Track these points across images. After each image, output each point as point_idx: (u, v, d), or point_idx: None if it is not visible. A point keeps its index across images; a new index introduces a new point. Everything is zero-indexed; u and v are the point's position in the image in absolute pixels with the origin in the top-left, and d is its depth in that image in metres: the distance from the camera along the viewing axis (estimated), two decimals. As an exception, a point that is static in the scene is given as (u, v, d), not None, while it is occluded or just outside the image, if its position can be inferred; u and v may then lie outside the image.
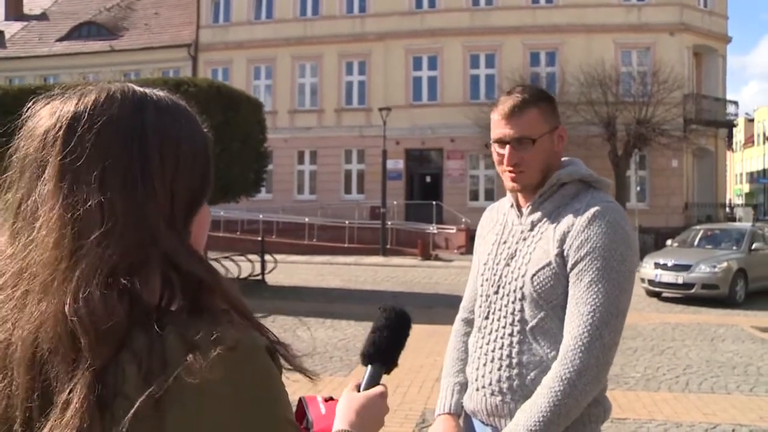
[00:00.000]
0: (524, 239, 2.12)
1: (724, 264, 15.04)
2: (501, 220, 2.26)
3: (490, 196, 29.04)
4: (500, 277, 2.13)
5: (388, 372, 1.34)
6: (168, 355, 0.82)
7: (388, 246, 27.25)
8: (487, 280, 2.18)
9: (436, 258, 25.81)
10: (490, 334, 2.13)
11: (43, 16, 41.39)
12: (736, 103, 33.29)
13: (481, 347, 2.15)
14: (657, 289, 15.54)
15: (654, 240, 25.46)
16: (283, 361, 0.94)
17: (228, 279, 0.94)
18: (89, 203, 0.86)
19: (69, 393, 0.81)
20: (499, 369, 2.07)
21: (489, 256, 2.21)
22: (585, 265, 1.96)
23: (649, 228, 26.25)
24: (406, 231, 28.60)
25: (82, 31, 38.16)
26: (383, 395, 1.26)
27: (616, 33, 30.20)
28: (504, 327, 2.09)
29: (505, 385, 2.05)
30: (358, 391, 1.27)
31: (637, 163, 26.18)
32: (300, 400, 1.23)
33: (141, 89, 0.97)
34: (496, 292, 2.13)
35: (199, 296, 0.89)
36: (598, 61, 27.77)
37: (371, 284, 18.31)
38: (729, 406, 7.05)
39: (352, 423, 1.18)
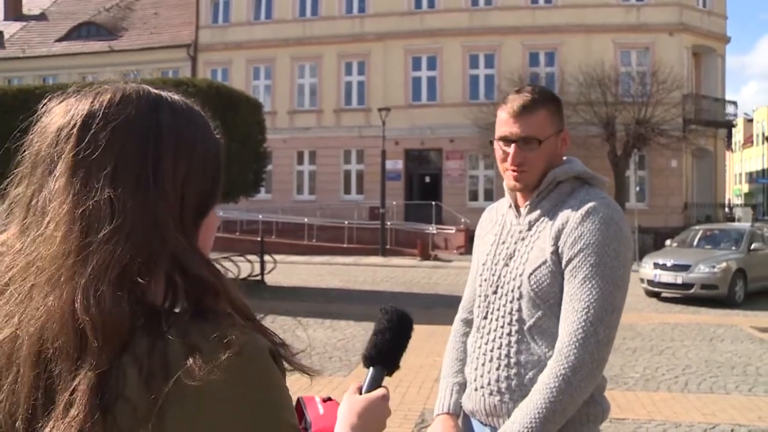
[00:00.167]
0: (522, 239, 2.12)
1: (723, 264, 15.04)
2: (499, 221, 2.26)
3: (490, 197, 29.03)
4: (499, 278, 2.13)
5: (390, 374, 1.33)
6: (170, 359, 0.82)
7: (388, 246, 27.25)
8: (485, 280, 2.18)
9: (436, 258, 25.81)
10: (488, 334, 2.13)
11: (42, 17, 41.38)
12: (735, 103, 33.33)
13: (479, 347, 2.15)
14: (656, 289, 15.54)
15: (653, 240, 25.47)
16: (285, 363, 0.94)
17: (232, 282, 0.94)
18: (99, 200, 0.86)
19: (72, 393, 0.81)
20: (497, 369, 2.07)
21: (488, 256, 2.21)
22: (579, 261, 1.96)
23: (649, 228, 26.24)
24: (406, 231, 28.59)
25: (82, 31, 38.15)
26: (385, 398, 1.26)
27: (615, 33, 30.19)
28: (502, 327, 2.09)
29: (503, 385, 2.05)
30: (360, 393, 1.27)
31: (636, 163, 26.18)
32: (298, 401, 1.23)
33: (156, 91, 0.97)
34: (495, 292, 2.13)
35: (204, 299, 0.89)
36: (597, 62, 27.77)
37: (370, 284, 18.31)
38: (728, 406, 7.05)
39: (354, 426, 1.18)
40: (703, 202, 31.14)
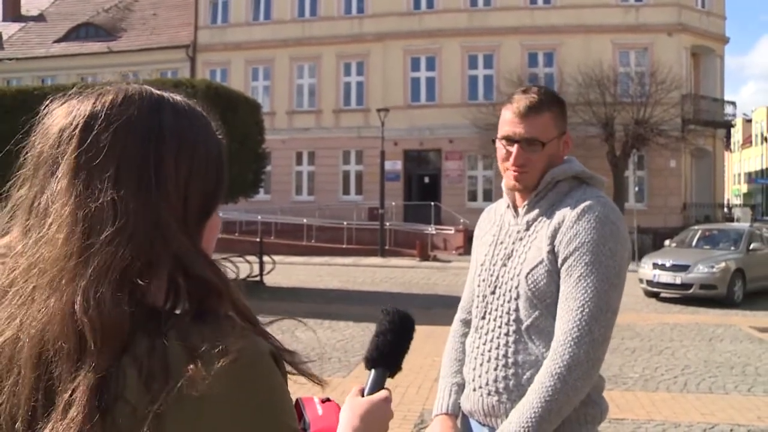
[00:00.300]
0: (520, 239, 2.12)
1: (722, 264, 15.05)
2: (498, 221, 2.26)
3: (489, 197, 29.01)
4: (497, 278, 2.13)
5: (392, 376, 1.33)
6: (169, 361, 0.81)
7: (387, 247, 27.24)
8: (484, 280, 2.18)
9: (435, 259, 25.80)
10: (486, 334, 2.13)
11: (40, 18, 41.34)
12: (733, 103, 33.36)
13: (477, 347, 2.15)
14: (655, 290, 15.54)
15: (652, 240, 25.47)
16: (288, 367, 0.93)
17: (235, 284, 0.93)
18: (101, 201, 0.86)
19: (71, 394, 0.80)
20: (495, 369, 2.07)
21: (486, 256, 2.21)
22: (574, 260, 1.95)
23: (648, 228, 26.25)
24: (405, 232, 28.57)
25: (80, 32, 38.11)
26: (387, 400, 1.25)
27: (614, 33, 30.20)
28: (500, 327, 2.09)
29: (501, 385, 2.05)
30: (362, 395, 1.26)
31: (635, 164, 26.18)
32: (297, 401, 1.22)
33: (158, 92, 0.97)
34: (493, 293, 2.13)
35: (207, 301, 0.88)
36: (596, 62, 27.79)
37: (370, 285, 18.31)
38: (727, 406, 7.05)
39: (357, 429, 1.18)
40: (701, 203, 31.15)
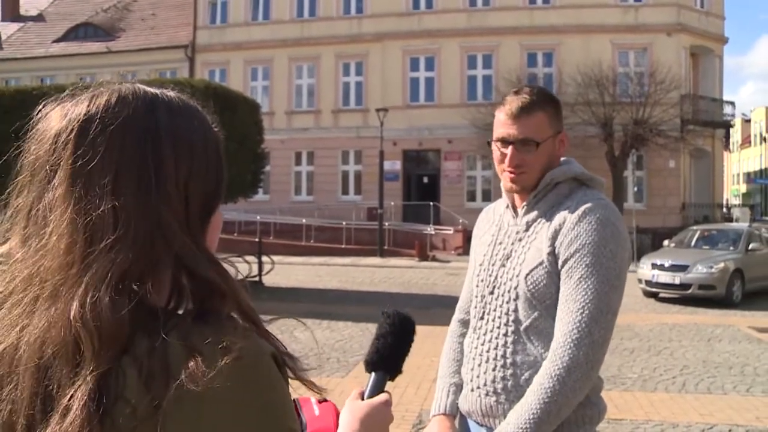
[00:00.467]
0: (519, 240, 2.12)
1: (721, 264, 15.05)
2: (497, 221, 2.26)
3: (488, 197, 29.01)
4: (495, 278, 2.13)
5: (392, 379, 1.32)
6: (170, 360, 0.81)
7: (386, 247, 27.25)
8: (482, 280, 2.18)
9: (434, 259, 25.80)
10: (485, 334, 2.13)
11: (39, 17, 41.32)
12: (732, 103, 33.34)
13: (476, 348, 2.15)
14: (654, 290, 15.54)
15: (651, 240, 25.49)
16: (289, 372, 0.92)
17: (240, 284, 0.93)
18: (102, 208, 0.85)
19: (69, 399, 0.80)
20: (493, 369, 2.07)
21: (484, 257, 2.20)
22: (575, 261, 1.95)
23: (646, 228, 26.27)
24: (404, 232, 28.58)
25: (79, 32, 38.08)
26: (387, 403, 1.25)
27: (613, 33, 30.20)
28: (499, 327, 2.09)
29: (499, 386, 2.05)
30: (362, 399, 1.26)
31: (634, 164, 26.17)
32: (294, 401, 1.22)
33: (152, 90, 0.96)
34: (491, 293, 2.13)
35: (209, 301, 0.88)
36: (595, 62, 27.78)
37: (368, 285, 18.31)
38: (726, 406, 7.05)
39: None
40: (700, 203, 31.16)
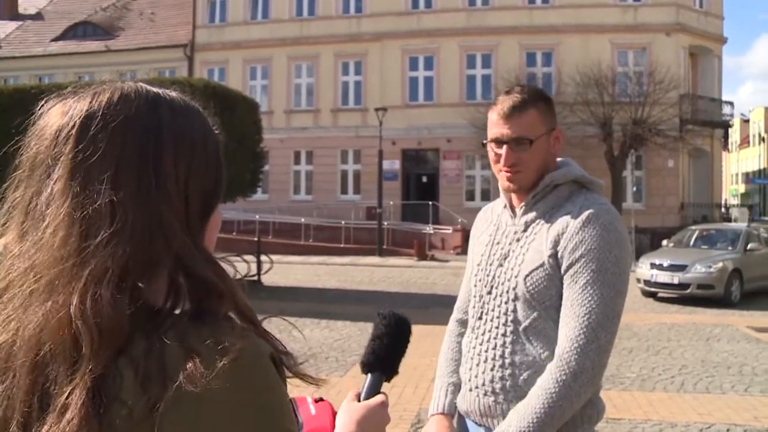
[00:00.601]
0: (517, 240, 2.11)
1: (720, 264, 15.07)
2: (494, 221, 2.25)
3: (487, 197, 29.01)
4: (493, 278, 2.12)
5: (388, 380, 1.31)
6: (167, 361, 0.80)
7: (385, 246, 27.25)
8: (480, 280, 2.17)
9: (433, 258, 25.81)
10: (483, 334, 2.12)
11: (38, 16, 41.28)
12: (731, 103, 33.36)
13: (474, 347, 2.15)
14: (653, 290, 15.56)
15: (650, 240, 25.50)
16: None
17: (238, 284, 0.92)
18: (99, 203, 0.85)
19: (67, 397, 0.79)
20: (492, 369, 2.07)
21: (482, 256, 2.20)
22: (580, 267, 1.95)
23: (645, 228, 26.28)
24: (403, 231, 28.59)
25: (78, 30, 38.06)
26: (384, 405, 1.24)
27: (612, 33, 30.22)
28: (497, 327, 2.09)
29: (498, 386, 2.05)
30: (358, 400, 1.25)
31: (633, 164, 26.18)
32: (290, 401, 1.22)
33: (154, 89, 0.96)
34: (489, 293, 2.12)
35: (207, 301, 0.88)
36: (594, 62, 27.79)
37: (367, 285, 18.31)
38: (724, 406, 7.06)
39: None
40: (699, 203, 31.18)
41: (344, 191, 33.19)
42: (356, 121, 32.55)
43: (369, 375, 1.30)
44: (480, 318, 2.15)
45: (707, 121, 30.75)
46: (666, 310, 14.12)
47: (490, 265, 2.15)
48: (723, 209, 37.10)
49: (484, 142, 2.18)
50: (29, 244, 0.87)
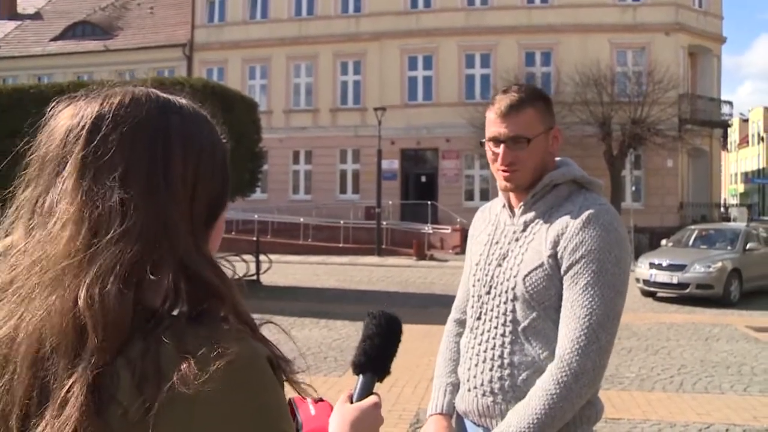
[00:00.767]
0: (516, 240, 2.11)
1: (719, 264, 15.07)
2: (493, 221, 2.25)
3: (486, 196, 29.01)
4: (492, 278, 2.12)
5: (380, 380, 1.31)
6: (162, 363, 0.80)
7: (384, 246, 27.26)
8: (479, 280, 2.17)
9: (432, 258, 25.81)
10: (482, 334, 2.12)
11: (37, 16, 41.27)
12: (730, 103, 33.37)
13: (473, 347, 2.14)
14: (652, 289, 15.56)
15: (649, 240, 25.51)
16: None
17: (237, 287, 0.93)
18: (109, 201, 0.86)
19: (67, 391, 0.80)
20: (491, 369, 2.06)
21: (481, 256, 2.20)
22: (580, 267, 1.95)
23: (644, 228, 26.29)
24: (402, 231, 28.59)
25: (77, 30, 38.05)
26: (377, 405, 1.24)
27: (611, 33, 30.23)
28: (496, 327, 2.08)
29: (496, 386, 2.04)
30: (351, 402, 1.25)
31: (632, 163, 26.19)
32: (289, 401, 1.22)
33: (165, 95, 0.97)
34: (488, 293, 2.12)
35: (206, 303, 0.88)
36: (593, 61, 27.79)
37: (366, 284, 18.32)
38: (723, 405, 7.06)
39: None
40: (698, 202, 31.19)
41: (343, 191, 33.20)
42: (355, 121, 32.56)
43: (361, 376, 1.29)
44: (479, 318, 2.15)
45: (706, 121, 30.77)
46: (665, 310, 14.12)
47: (489, 265, 2.15)
48: (722, 209, 37.13)
49: (482, 141, 2.18)
50: (36, 240, 0.88)
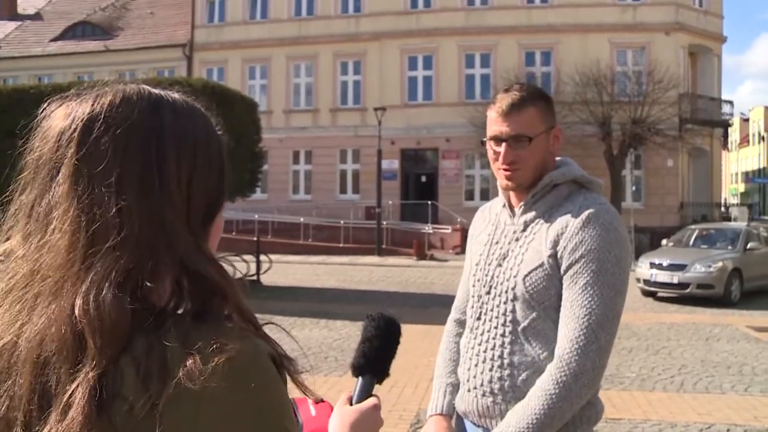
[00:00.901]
0: (516, 240, 2.11)
1: (720, 264, 15.06)
2: (493, 220, 2.25)
3: (486, 196, 29.00)
4: (492, 278, 2.11)
5: (379, 382, 1.31)
6: (167, 360, 0.81)
7: (384, 246, 27.26)
8: (479, 280, 2.16)
9: (432, 258, 25.80)
10: (482, 334, 2.12)
11: (37, 16, 41.28)
12: (731, 102, 33.35)
13: (472, 348, 2.14)
14: (652, 289, 15.55)
15: (649, 239, 25.51)
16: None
17: (240, 285, 0.93)
18: (105, 207, 0.85)
19: (70, 396, 0.80)
20: (490, 370, 2.06)
21: (481, 256, 2.19)
22: (580, 267, 1.94)
23: (645, 227, 26.29)
24: (402, 231, 28.60)
25: (77, 30, 38.06)
26: (376, 407, 1.24)
27: (611, 32, 30.23)
28: (496, 327, 2.08)
29: (496, 386, 2.04)
30: (350, 404, 1.25)
31: (632, 163, 26.18)
32: (290, 402, 1.21)
33: (156, 91, 0.96)
34: (488, 293, 2.12)
35: (210, 301, 0.88)
36: (593, 61, 27.80)
37: (366, 284, 18.31)
38: (724, 405, 7.05)
39: None
40: (699, 202, 31.18)
41: (343, 191, 33.21)
42: (355, 121, 32.57)
43: (360, 378, 1.29)
44: (479, 318, 2.14)
45: (707, 121, 30.76)
46: (665, 310, 14.11)
47: (489, 265, 2.14)
48: (722, 208, 37.11)
49: (484, 140, 2.17)
50: (33, 246, 0.88)
